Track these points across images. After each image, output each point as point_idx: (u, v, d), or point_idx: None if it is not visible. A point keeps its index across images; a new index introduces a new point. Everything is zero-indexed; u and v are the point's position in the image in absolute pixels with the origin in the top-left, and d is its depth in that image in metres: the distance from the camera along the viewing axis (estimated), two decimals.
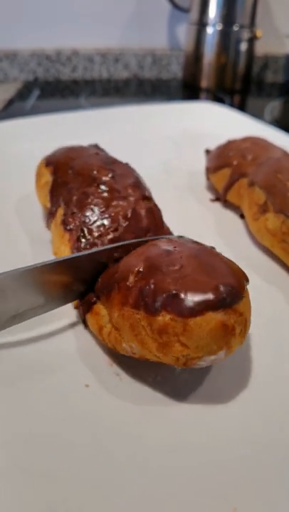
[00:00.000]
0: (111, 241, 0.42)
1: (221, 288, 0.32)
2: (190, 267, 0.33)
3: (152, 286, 0.33)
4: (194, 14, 1.28)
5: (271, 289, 0.48)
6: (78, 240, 0.43)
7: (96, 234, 0.43)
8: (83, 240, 0.43)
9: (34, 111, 1.13)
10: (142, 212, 0.45)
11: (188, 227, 0.58)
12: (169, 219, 0.52)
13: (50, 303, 0.39)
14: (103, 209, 0.45)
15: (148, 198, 0.49)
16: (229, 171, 0.61)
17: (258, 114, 1.16)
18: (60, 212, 0.47)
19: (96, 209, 0.45)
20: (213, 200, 0.66)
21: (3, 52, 1.38)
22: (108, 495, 0.29)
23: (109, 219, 0.44)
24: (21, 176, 0.68)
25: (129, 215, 0.44)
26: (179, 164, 0.78)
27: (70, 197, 0.47)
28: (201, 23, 1.27)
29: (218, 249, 0.53)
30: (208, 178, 0.68)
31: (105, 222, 0.44)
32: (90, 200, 0.46)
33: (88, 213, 0.45)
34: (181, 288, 0.32)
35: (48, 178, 0.53)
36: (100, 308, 0.38)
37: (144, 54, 1.45)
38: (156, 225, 0.46)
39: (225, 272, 0.34)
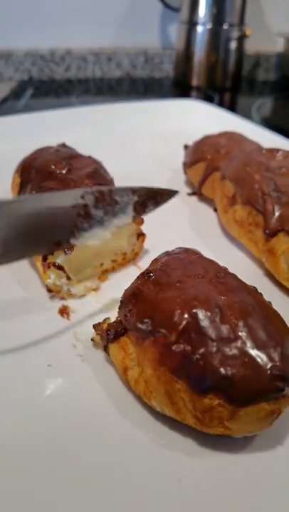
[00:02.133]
0: None
1: (277, 378, 0.29)
2: (243, 338, 0.31)
3: (200, 360, 0.30)
4: (184, 13, 1.30)
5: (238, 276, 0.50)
6: None
7: None
8: None
9: (26, 109, 1.15)
10: None
11: (164, 220, 0.60)
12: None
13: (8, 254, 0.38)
14: None
15: (102, 185, 0.51)
16: (204, 165, 0.63)
17: (248, 112, 1.18)
18: None
19: None
20: (190, 194, 0.68)
21: None
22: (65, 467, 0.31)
23: None
24: (5, 173, 0.70)
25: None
26: (161, 160, 0.80)
27: (30, 193, 0.50)
28: (191, 22, 1.29)
29: (190, 242, 0.55)
30: (185, 173, 0.69)
31: None
32: (45, 192, 0.48)
33: None
34: (236, 372, 0.29)
35: (17, 180, 0.56)
36: (128, 344, 0.36)
37: (136, 53, 1.47)
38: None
39: (279, 344, 0.31)
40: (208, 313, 0.32)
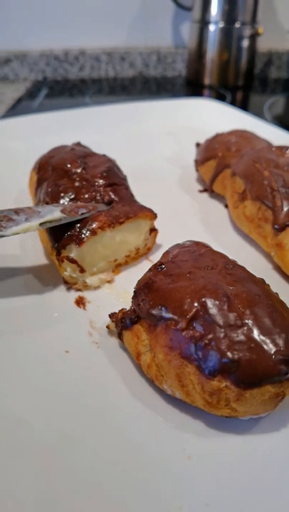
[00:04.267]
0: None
1: (282, 362, 0.31)
2: (249, 325, 0.32)
3: (209, 344, 0.32)
4: (197, 12, 1.32)
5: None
6: None
7: None
8: None
9: (41, 109, 1.18)
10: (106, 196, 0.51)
11: (176, 217, 0.62)
12: (157, 206, 0.56)
13: None
14: (72, 196, 0.50)
15: (117, 184, 0.53)
16: (215, 162, 0.65)
17: (260, 110, 1.19)
18: (40, 205, 0.52)
19: (66, 197, 0.50)
20: (201, 191, 0.70)
21: (13, 53, 1.43)
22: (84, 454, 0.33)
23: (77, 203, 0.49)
24: (22, 171, 0.72)
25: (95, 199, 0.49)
26: (174, 158, 0.81)
27: (46, 190, 0.53)
28: (204, 21, 1.30)
29: (201, 237, 0.57)
30: (197, 170, 0.71)
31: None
32: (61, 190, 0.51)
33: (59, 202, 0.50)
34: (242, 356, 0.31)
35: (34, 178, 0.59)
36: (141, 331, 0.38)
37: (149, 53, 1.49)
38: (116, 206, 0.50)
39: (284, 330, 0.33)
40: (217, 302, 0.33)
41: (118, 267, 0.52)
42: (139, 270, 0.52)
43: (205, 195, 0.69)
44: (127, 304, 0.47)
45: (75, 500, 0.30)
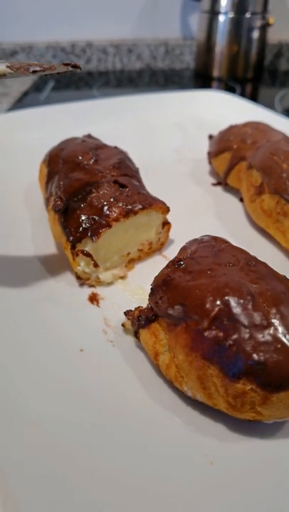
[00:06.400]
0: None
1: None
2: (275, 325, 0.31)
3: (233, 345, 0.30)
4: (206, 3, 1.29)
5: None
6: (62, 215, 0.47)
7: (78, 210, 0.47)
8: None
9: (48, 102, 1.16)
10: (117, 188, 0.49)
11: (188, 211, 0.60)
12: (170, 200, 0.54)
13: None
14: (84, 188, 0.49)
15: (129, 176, 0.52)
16: (229, 155, 0.63)
17: (270, 103, 1.16)
18: (51, 199, 0.51)
19: (78, 190, 0.49)
20: (214, 184, 0.68)
21: (19, 45, 1.41)
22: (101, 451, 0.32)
23: (90, 197, 0.47)
24: (31, 163, 0.71)
25: (106, 191, 0.48)
26: (185, 150, 0.80)
27: (58, 183, 0.51)
28: (213, 12, 1.28)
29: (215, 231, 0.55)
30: (210, 163, 0.69)
31: (87, 199, 0.47)
32: (72, 182, 0.49)
33: (72, 195, 0.48)
34: (268, 358, 0.29)
35: (44, 171, 0.57)
36: (159, 330, 0.36)
37: (157, 44, 1.47)
38: (130, 197, 0.48)
39: None
40: (241, 301, 0.32)
41: (131, 262, 0.51)
42: (153, 265, 0.51)
43: (219, 188, 0.67)
44: (141, 301, 0.45)
45: (89, 504, 0.28)
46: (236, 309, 0.31)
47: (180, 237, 0.55)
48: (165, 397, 0.35)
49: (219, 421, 0.34)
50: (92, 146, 0.56)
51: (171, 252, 0.53)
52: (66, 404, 0.35)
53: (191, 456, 0.31)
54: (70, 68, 0.42)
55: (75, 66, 0.42)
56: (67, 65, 0.42)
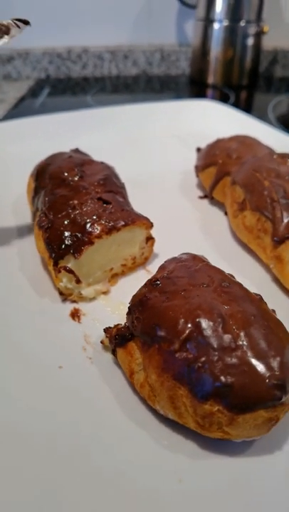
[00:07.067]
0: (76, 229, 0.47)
1: (275, 386, 0.30)
2: (244, 348, 0.32)
3: (202, 367, 0.31)
4: (201, 10, 1.30)
5: (245, 282, 0.51)
6: (46, 231, 0.48)
7: (62, 227, 0.48)
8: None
9: (43, 108, 1.18)
10: (100, 205, 0.50)
11: (174, 224, 0.61)
12: (156, 213, 0.56)
13: None
14: (68, 205, 0.50)
15: (114, 192, 0.53)
16: (215, 169, 0.64)
17: (264, 110, 1.17)
18: (37, 214, 0.52)
19: (63, 206, 0.50)
20: (201, 197, 0.69)
21: (16, 51, 1.42)
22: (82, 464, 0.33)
23: (73, 214, 0.48)
24: (22, 175, 0.72)
25: (89, 208, 0.49)
26: (175, 162, 0.81)
27: (44, 199, 0.52)
28: (208, 19, 1.29)
29: (199, 246, 0.56)
30: (197, 176, 0.70)
31: (71, 216, 0.49)
32: (57, 199, 0.50)
33: (56, 211, 0.50)
34: (235, 380, 0.30)
35: (32, 185, 0.58)
36: (135, 349, 0.37)
37: (152, 51, 1.48)
38: (113, 214, 0.49)
39: (279, 353, 0.32)
40: (211, 323, 0.33)
41: (114, 277, 0.52)
42: (136, 281, 0.52)
43: (205, 201, 0.68)
44: (122, 316, 0.46)
45: None
46: (206, 331, 0.33)
47: (164, 251, 0.56)
48: (139, 415, 0.36)
49: (190, 438, 0.35)
50: (78, 161, 0.57)
51: (155, 266, 0.54)
52: (41, 421, 0.36)
53: (160, 473, 0.32)
54: (22, 25, 0.48)
55: (25, 22, 0.49)
56: (18, 21, 0.48)
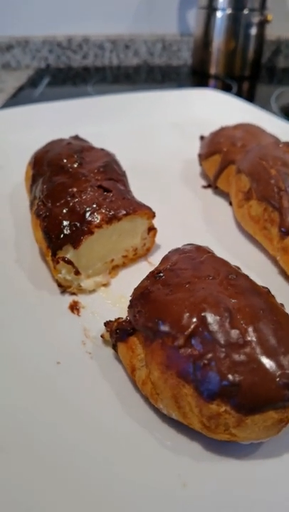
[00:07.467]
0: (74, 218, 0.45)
1: (286, 386, 0.28)
2: (252, 344, 0.30)
3: (208, 365, 0.29)
4: None
5: (251, 275, 0.49)
6: (44, 220, 0.46)
7: (60, 216, 0.46)
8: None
9: (43, 98, 1.15)
10: (100, 193, 0.47)
11: (177, 214, 0.59)
12: (158, 203, 0.54)
13: None
14: (67, 193, 0.47)
15: (114, 180, 0.50)
16: (219, 157, 0.62)
17: (266, 101, 1.15)
18: (35, 202, 0.50)
19: (61, 193, 0.47)
20: (205, 187, 0.67)
21: (15, 40, 1.39)
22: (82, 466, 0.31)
23: (72, 202, 0.46)
24: (20, 164, 0.69)
25: (89, 196, 0.46)
26: (177, 151, 0.78)
27: (42, 187, 0.50)
28: (211, 7, 1.26)
29: (203, 237, 0.54)
30: (200, 165, 0.68)
31: (70, 204, 0.46)
32: (56, 186, 0.48)
33: (54, 199, 0.47)
34: (243, 379, 0.28)
35: (30, 173, 0.56)
36: (136, 344, 0.35)
37: (154, 40, 1.44)
38: (114, 202, 0.47)
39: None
40: (218, 317, 0.31)
41: (115, 268, 0.50)
42: (138, 273, 0.50)
43: (209, 191, 0.66)
44: (123, 310, 0.44)
45: None
46: (213, 326, 0.31)
47: (167, 242, 0.53)
48: (141, 413, 0.34)
49: (195, 439, 0.33)
50: (77, 148, 0.55)
51: (157, 258, 0.52)
52: (39, 420, 0.34)
53: (164, 477, 0.30)
54: None
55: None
56: None
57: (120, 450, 0.32)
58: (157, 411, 0.34)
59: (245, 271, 0.41)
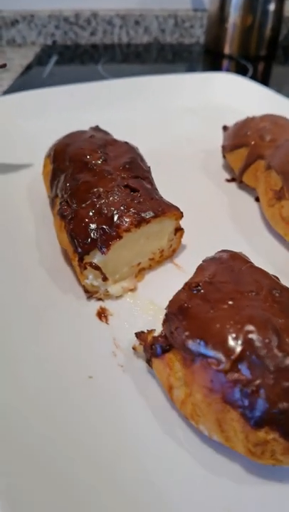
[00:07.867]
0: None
1: None
2: None
3: (257, 391, 0.28)
4: None
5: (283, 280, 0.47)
6: (69, 223, 0.44)
7: (86, 219, 0.43)
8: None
9: (51, 78, 1.11)
10: (128, 193, 0.45)
11: (201, 212, 0.57)
12: (181, 198, 0.51)
13: None
14: (93, 193, 0.45)
15: (140, 177, 0.48)
16: (246, 151, 0.59)
17: (282, 83, 1.10)
18: (57, 201, 0.48)
19: (86, 192, 0.45)
20: (228, 180, 0.64)
21: (20, 14, 1.33)
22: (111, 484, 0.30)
23: (99, 203, 0.44)
24: (33, 153, 0.67)
25: (116, 197, 0.44)
26: (197, 139, 0.75)
27: (64, 185, 0.47)
28: None
29: (231, 237, 0.52)
30: (224, 157, 0.65)
31: (96, 205, 0.44)
32: (80, 185, 0.46)
33: (79, 200, 0.45)
34: None
35: (49, 167, 0.53)
36: (174, 362, 0.33)
37: (165, 16, 1.38)
38: (142, 204, 0.45)
39: None
40: (266, 340, 0.29)
41: (141, 272, 0.48)
42: (164, 275, 0.48)
43: (233, 185, 0.63)
44: (153, 317, 0.43)
45: None
46: (261, 350, 0.29)
47: (192, 242, 0.52)
48: (179, 433, 0.33)
49: (236, 461, 0.32)
50: (100, 142, 0.52)
51: (183, 260, 0.50)
52: (72, 440, 0.33)
53: (206, 502, 0.30)
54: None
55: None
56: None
57: (157, 471, 0.31)
58: (196, 430, 0.33)
59: (283, 281, 0.40)
